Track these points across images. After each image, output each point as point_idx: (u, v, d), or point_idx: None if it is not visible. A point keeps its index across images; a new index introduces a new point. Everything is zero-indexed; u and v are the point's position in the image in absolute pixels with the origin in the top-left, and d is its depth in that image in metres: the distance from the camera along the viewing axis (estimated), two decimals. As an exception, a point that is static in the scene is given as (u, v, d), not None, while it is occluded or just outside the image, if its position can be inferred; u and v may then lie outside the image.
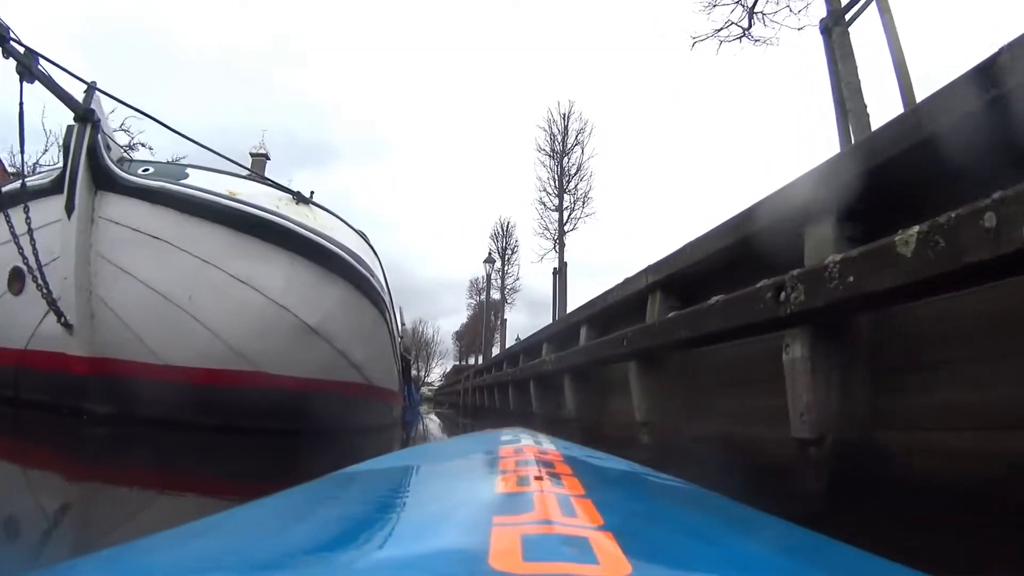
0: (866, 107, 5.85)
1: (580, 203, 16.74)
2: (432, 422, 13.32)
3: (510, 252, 23.42)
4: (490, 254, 20.09)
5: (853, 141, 5.46)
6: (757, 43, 8.29)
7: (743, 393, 2.61)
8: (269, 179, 4.78)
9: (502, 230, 23.53)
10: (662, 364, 3.17)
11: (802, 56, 14.08)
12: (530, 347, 7.89)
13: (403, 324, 10.90)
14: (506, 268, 23.05)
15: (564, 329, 5.73)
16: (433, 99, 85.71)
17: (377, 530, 0.62)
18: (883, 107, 6.09)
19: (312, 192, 4.94)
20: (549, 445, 1.08)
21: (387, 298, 6.21)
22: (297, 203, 4.74)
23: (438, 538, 0.54)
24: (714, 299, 2.28)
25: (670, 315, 2.86)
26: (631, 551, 0.43)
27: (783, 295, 1.82)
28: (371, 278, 5.37)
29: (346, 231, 5.22)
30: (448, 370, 38.18)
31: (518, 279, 23.75)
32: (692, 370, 3.06)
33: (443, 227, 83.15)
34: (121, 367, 4.22)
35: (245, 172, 5.37)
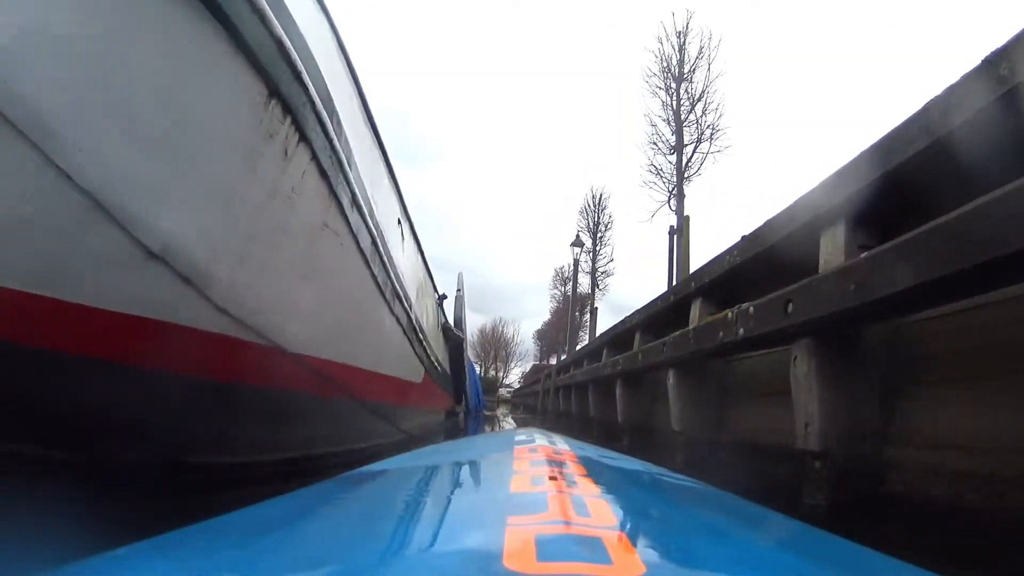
0: None
1: (708, 135, 12.33)
2: (508, 425, 10.45)
3: (603, 229, 19.58)
4: (578, 236, 16.40)
5: None
6: None
7: None
8: None
9: (593, 203, 19.71)
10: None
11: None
12: (658, 314, 4.58)
13: (459, 289, 7.88)
14: (598, 248, 19.37)
15: (749, 260, 2.96)
16: (511, 75, 78.37)
17: (392, 530, 0.63)
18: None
19: None
20: (563, 445, 1.08)
21: (355, 164, 2.69)
22: None
23: (453, 538, 0.55)
24: None
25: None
26: (645, 551, 0.44)
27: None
28: (291, 58, 2.03)
29: None
30: (527, 370, 36.38)
31: (611, 260, 19.70)
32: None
33: (527, 226, 75.94)
34: None
35: None
